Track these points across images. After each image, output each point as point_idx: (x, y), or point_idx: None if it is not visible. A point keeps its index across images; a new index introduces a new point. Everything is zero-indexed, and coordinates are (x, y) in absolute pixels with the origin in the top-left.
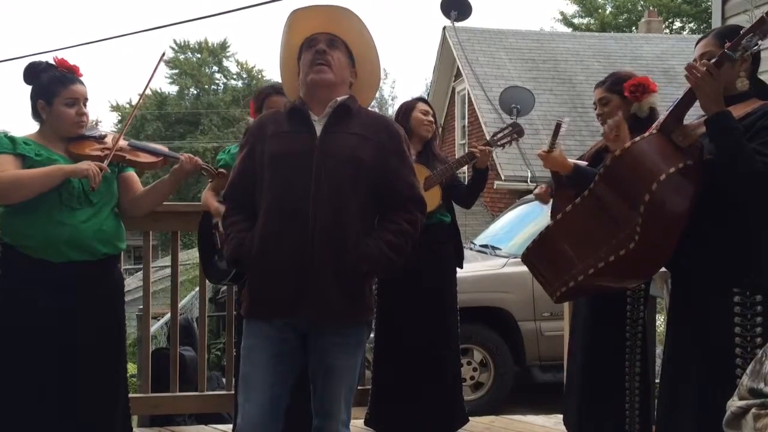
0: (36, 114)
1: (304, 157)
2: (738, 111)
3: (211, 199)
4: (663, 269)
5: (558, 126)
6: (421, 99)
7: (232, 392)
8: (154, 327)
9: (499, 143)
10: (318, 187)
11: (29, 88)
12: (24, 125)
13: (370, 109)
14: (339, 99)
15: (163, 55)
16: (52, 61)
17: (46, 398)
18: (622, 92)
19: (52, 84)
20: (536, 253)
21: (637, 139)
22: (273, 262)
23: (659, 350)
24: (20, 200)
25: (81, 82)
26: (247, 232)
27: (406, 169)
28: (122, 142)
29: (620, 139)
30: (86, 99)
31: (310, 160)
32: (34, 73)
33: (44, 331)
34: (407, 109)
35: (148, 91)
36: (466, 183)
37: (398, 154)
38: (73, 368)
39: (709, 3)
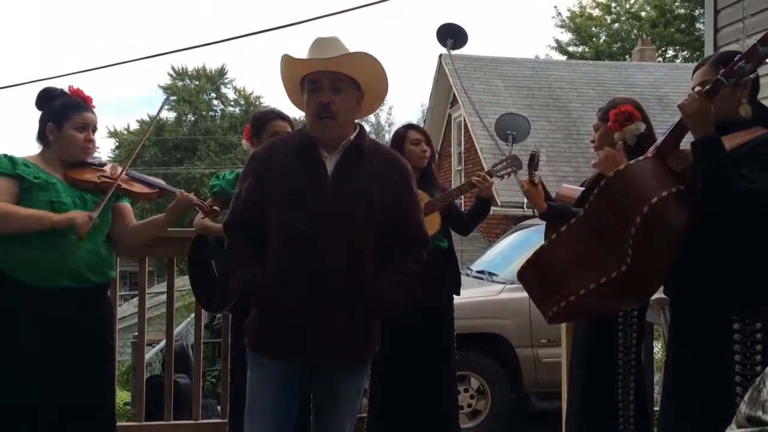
0: (42, 136)
1: (316, 197)
2: (738, 139)
3: (209, 221)
4: (661, 295)
5: (533, 157)
6: (411, 126)
7: (227, 420)
8: (149, 354)
9: (498, 174)
10: (331, 229)
11: (38, 113)
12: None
13: (369, 136)
14: (351, 138)
15: (167, 99)
16: (66, 89)
17: (28, 424)
18: (608, 120)
19: (64, 108)
20: (531, 272)
21: (632, 162)
22: (283, 303)
23: (657, 377)
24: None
25: (92, 112)
26: (257, 268)
27: (414, 208)
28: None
29: (611, 167)
30: (95, 127)
31: (323, 201)
32: (48, 98)
33: (26, 360)
34: (399, 140)
35: (146, 118)
36: (462, 210)
37: (408, 193)
38: (55, 397)
39: (702, 32)
